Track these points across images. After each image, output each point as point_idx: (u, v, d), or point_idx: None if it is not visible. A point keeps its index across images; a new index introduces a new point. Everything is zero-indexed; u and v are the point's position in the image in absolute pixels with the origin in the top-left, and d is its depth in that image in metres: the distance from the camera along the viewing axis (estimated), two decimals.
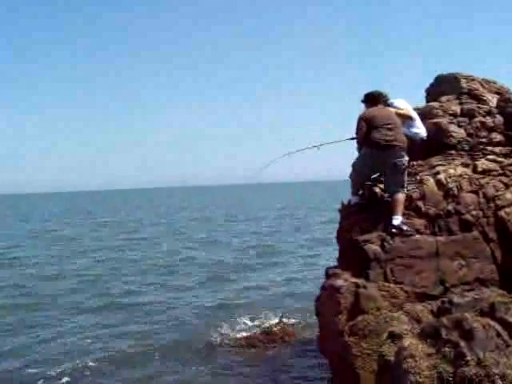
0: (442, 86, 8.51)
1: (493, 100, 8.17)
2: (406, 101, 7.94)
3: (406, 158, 7.13)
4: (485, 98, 8.13)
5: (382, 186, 7.38)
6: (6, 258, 22.55)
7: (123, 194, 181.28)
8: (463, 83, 8.22)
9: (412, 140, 7.48)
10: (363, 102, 7.52)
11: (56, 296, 14.26)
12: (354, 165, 7.38)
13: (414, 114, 7.82)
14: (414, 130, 7.72)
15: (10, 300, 14.00)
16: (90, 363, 8.92)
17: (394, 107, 7.64)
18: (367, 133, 7.04)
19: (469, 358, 4.62)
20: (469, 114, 7.97)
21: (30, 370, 8.78)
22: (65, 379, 8.29)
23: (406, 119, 7.64)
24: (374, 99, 7.41)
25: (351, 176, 7.41)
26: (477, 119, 7.91)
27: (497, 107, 8.07)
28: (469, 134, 7.87)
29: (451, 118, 8.00)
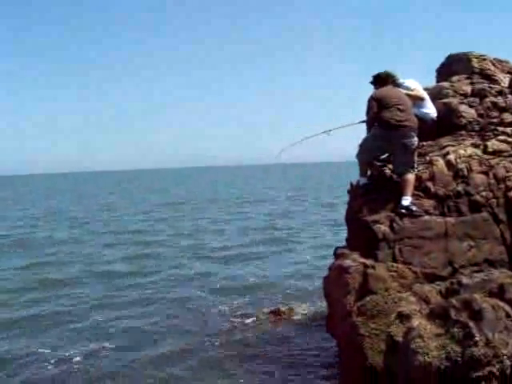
0: (453, 66, 8.42)
1: (505, 80, 8.08)
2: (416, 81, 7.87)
3: (416, 139, 7.09)
4: (496, 78, 8.04)
5: (390, 166, 7.35)
6: (16, 239, 22.60)
7: (126, 175, 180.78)
8: (475, 63, 8.12)
9: (422, 120, 7.42)
10: (372, 83, 7.47)
11: (69, 280, 14.27)
12: (361, 145, 7.35)
13: (425, 95, 7.75)
14: (425, 110, 7.66)
15: (24, 283, 14.05)
16: (103, 344, 9.01)
17: (405, 87, 7.57)
18: (377, 113, 7.01)
19: (477, 338, 4.63)
20: (480, 94, 7.88)
21: (41, 351, 8.86)
22: (77, 359, 8.38)
23: (417, 100, 7.58)
24: (382, 80, 7.37)
25: (358, 156, 7.38)
26: (488, 99, 7.82)
27: (509, 87, 7.97)
28: (479, 115, 7.79)
29: (462, 98, 7.92)
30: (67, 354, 8.58)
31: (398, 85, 7.59)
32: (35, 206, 43.34)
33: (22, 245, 21.15)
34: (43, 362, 8.33)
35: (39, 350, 8.86)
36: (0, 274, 15.36)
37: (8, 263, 17.12)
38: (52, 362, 8.33)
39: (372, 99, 7.11)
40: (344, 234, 7.57)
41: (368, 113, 7.17)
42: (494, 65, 8.25)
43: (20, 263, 16.98)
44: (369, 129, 7.35)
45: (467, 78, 8.10)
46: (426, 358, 4.69)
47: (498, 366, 4.58)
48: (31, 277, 14.73)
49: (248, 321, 9.78)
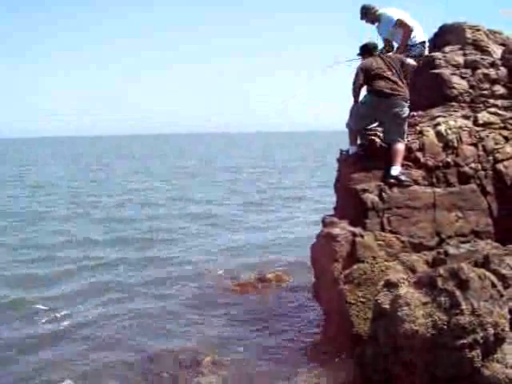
0: (447, 36, 8.33)
1: (497, 51, 8.03)
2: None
3: (407, 109, 7.09)
4: (489, 50, 7.98)
5: (381, 135, 7.35)
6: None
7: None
8: (468, 33, 8.04)
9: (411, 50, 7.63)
10: (359, 54, 7.46)
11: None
12: (352, 113, 7.33)
13: (413, 23, 7.81)
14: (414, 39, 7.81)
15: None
16: (93, 310, 9.07)
17: (386, 19, 7.83)
18: (371, 81, 6.98)
19: (463, 307, 4.68)
20: (472, 66, 7.83)
21: (36, 306, 9.08)
22: (66, 322, 8.47)
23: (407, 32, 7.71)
24: (369, 50, 7.36)
25: (348, 125, 7.36)
26: (480, 71, 7.78)
27: (501, 59, 7.94)
28: (471, 86, 7.76)
29: (454, 69, 7.87)
30: (58, 315, 8.73)
31: (377, 17, 7.78)
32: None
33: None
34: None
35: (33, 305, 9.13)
36: None
37: None
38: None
39: (360, 70, 7.09)
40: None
41: (354, 83, 7.15)
42: (487, 36, 8.19)
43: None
44: (355, 98, 7.31)
45: (460, 49, 8.04)
46: (412, 325, 4.74)
47: (482, 334, 4.65)
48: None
49: (234, 287, 9.84)
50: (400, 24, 7.74)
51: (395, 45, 8.08)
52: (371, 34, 8.01)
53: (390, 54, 7.53)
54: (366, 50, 7.35)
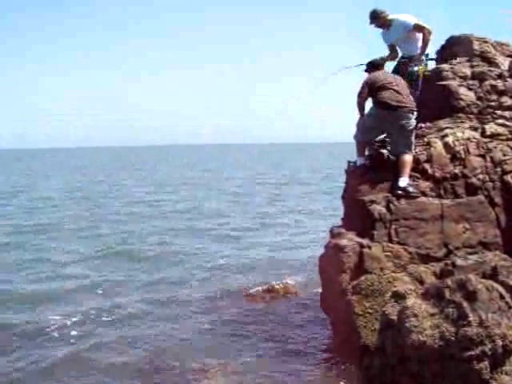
0: (454, 48, 8.37)
1: (505, 63, 8.05)
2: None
3: (414, 120, 7.11)
4: (497, 61, 8.01)
5: (389, 147, 7.37)
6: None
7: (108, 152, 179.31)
8: (476, 45, 8.07)
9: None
10: (366, 71, 7.50)
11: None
12: (359, 125, 7.36)
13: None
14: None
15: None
16: (103, 318, 9.15)
17: (402, 24, 7.78)
18: (376, 93, 7.01)
19: (471, 318, 4.69)
20: (479, 77, 7.85)
21: (49, 317, 9.11)
22: (73, 332, 8.51)
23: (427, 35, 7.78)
24: (376, 66, 7.42)
25: (356, 137, 7.40)
26: (487, 82, 7.79)
27: (508, 70, 7.95)
28: (478, 98, 7.77)
29: (461, 80, 7.89)
30: (68, 322, 8.83)
31: (388, 22, 7.82)
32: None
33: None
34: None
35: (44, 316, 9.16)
36: None
37: None
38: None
39: (365, 84, 7.12)
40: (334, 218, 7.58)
41: (359, 97, 7.18)
42: (494, 48, 8.21)
43: None
44: (360, 112, 7.33)
45: (467, 61, 8.06)
46: (420, 336, 4.74)
47: (490, 346, 4.64)
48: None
49: (240, 293, 9.83)
50: (418, 28, 7.74)
51: (400, 53, 8.11)
52: (375, 38, 8.08)
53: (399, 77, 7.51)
54: (374, 66, 7.39)
